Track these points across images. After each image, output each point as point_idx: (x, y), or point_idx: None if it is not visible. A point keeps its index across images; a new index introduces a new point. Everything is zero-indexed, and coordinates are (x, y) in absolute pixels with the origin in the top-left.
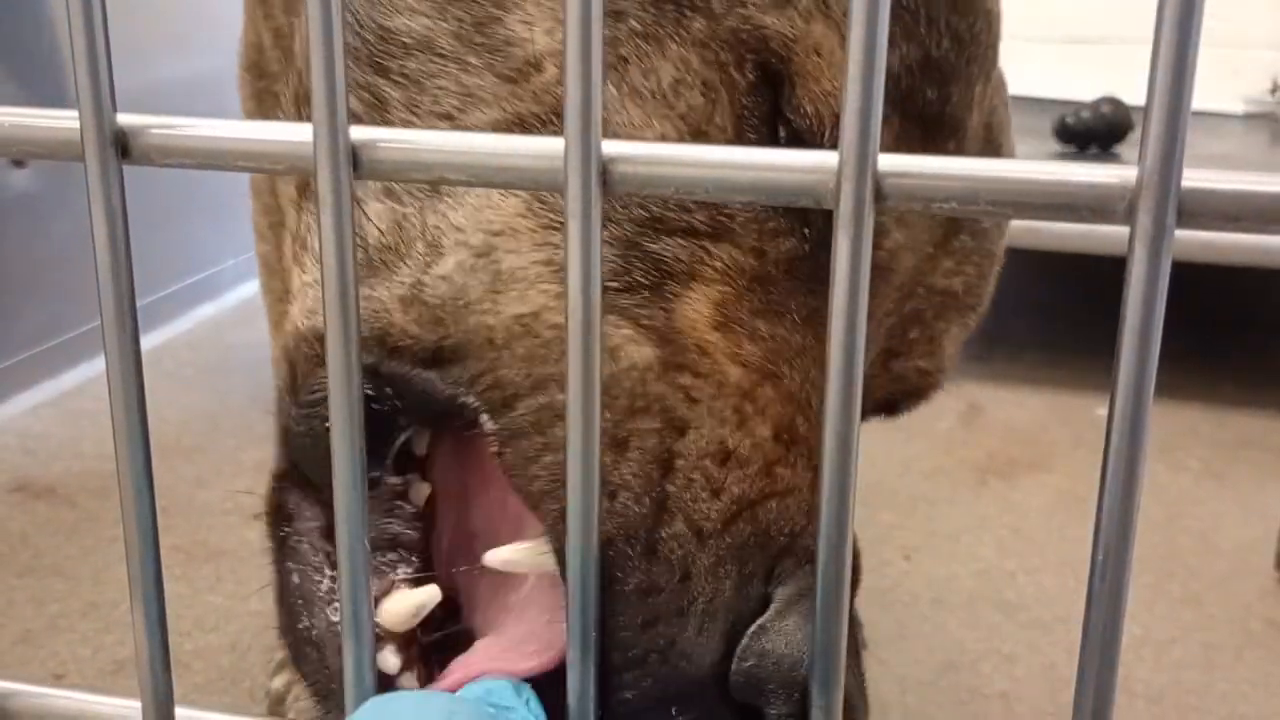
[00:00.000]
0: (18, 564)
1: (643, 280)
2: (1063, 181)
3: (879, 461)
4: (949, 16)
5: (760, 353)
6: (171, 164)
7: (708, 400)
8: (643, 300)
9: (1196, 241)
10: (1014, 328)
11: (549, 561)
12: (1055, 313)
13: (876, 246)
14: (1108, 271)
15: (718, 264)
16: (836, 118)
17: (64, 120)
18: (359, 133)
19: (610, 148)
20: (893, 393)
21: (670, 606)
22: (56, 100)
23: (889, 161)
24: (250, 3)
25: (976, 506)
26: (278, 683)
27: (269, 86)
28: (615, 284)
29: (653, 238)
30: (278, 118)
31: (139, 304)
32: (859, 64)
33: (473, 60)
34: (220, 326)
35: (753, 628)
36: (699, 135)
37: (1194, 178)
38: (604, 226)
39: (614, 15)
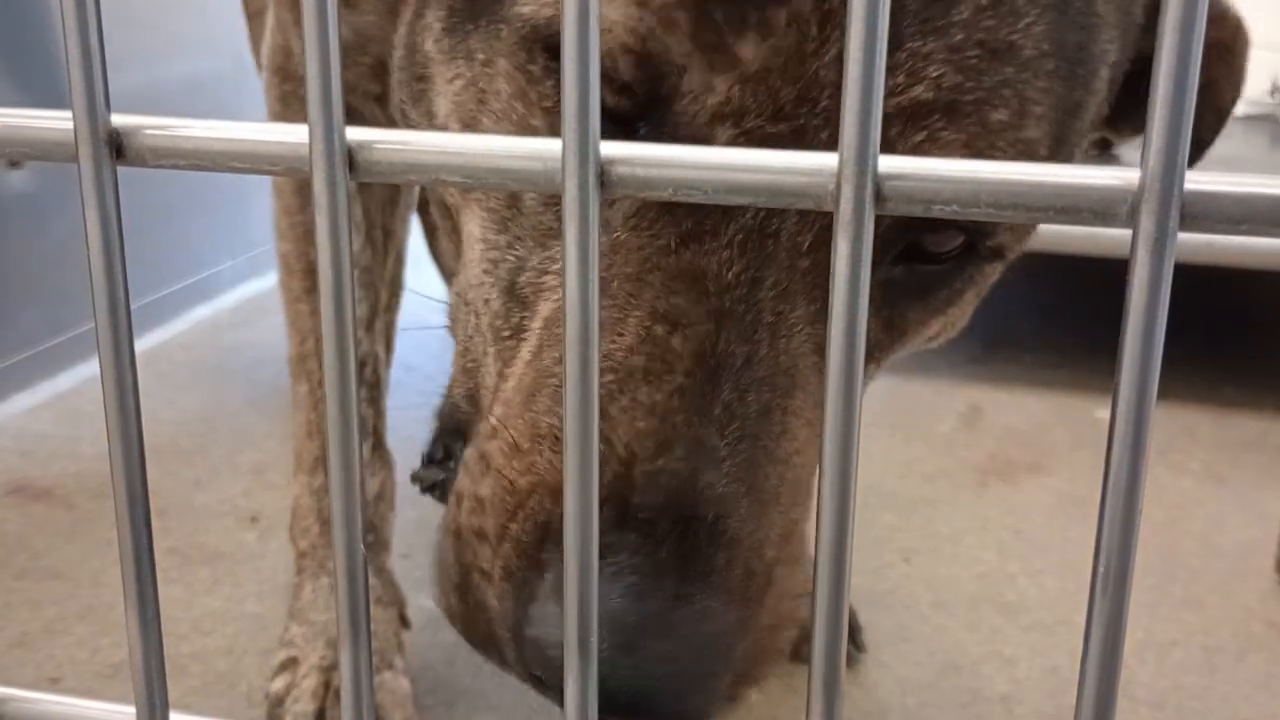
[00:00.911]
0: (15, 566)
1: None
2: (1065, 184)
3: (879, 463)
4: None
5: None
6: (166, 165)
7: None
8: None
9: (1197, 244)
10: (1015, 330)
11: None
12: (1055, 315)
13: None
14: (1108, 273)
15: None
16: (617, 48)
17: (58, 121)
18: (355, 134)
19: (608, 149)
20: None
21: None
22: (57, 102)
23: (889, 163)
24: (279, 6)
25: (977, 508)
26: (277, 684)
27: (296, 90)
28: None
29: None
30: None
31: (136, 305)
32: (859, 64)
33: None
34: (217, 328)
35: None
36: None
37: (1197, 180)
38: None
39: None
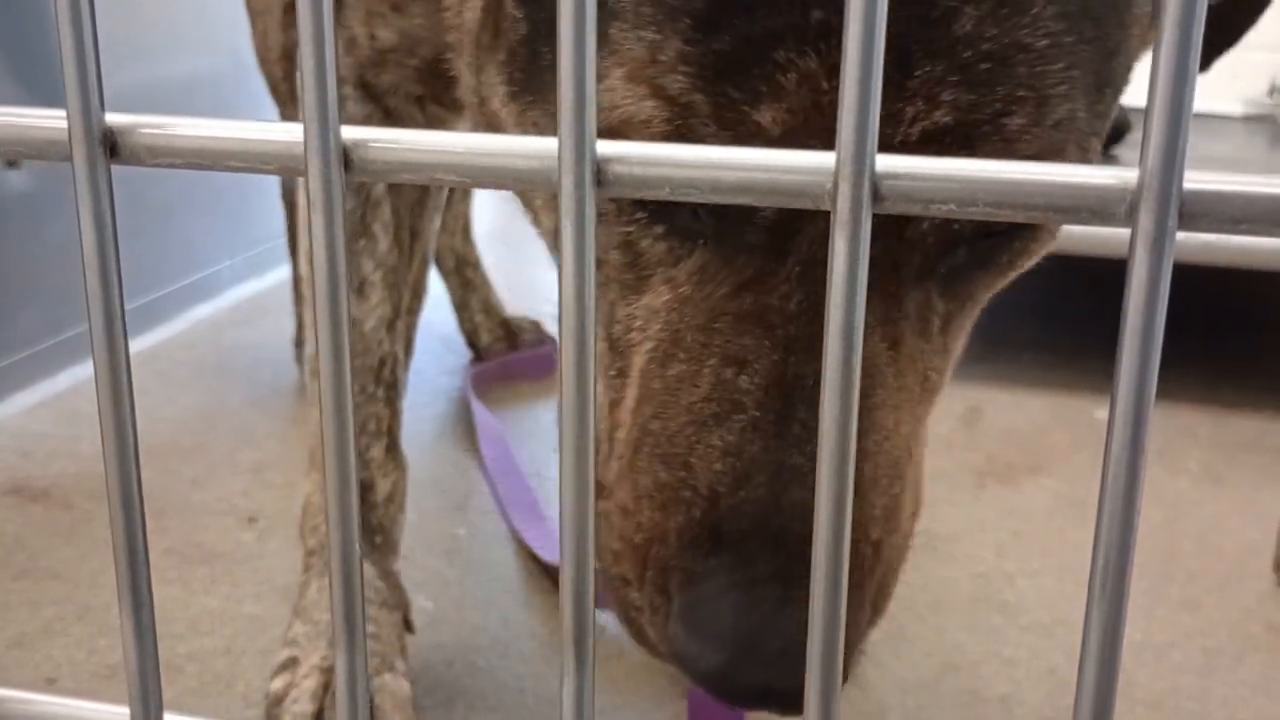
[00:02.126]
0: (13, 567)
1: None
2: (1063, 183)
3: None
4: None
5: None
6: (161, 164)
7: None
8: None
9: (1195, 244)
10: (1014, 331)
11: None
12: (1055, 315)
13: None
14: (1107, 274)
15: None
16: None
17: (52, 119)
18: (350, 132)
19: (605, 148)
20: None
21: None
22: (55, 100)
23: (886, 163)
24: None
25: (976, 509)
26: (277, 684)
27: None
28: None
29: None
30: None
31: (134, 305)
32: (855, 64)
33: None
34: (217, 327)
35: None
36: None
37: (1195, 180)
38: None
39: None
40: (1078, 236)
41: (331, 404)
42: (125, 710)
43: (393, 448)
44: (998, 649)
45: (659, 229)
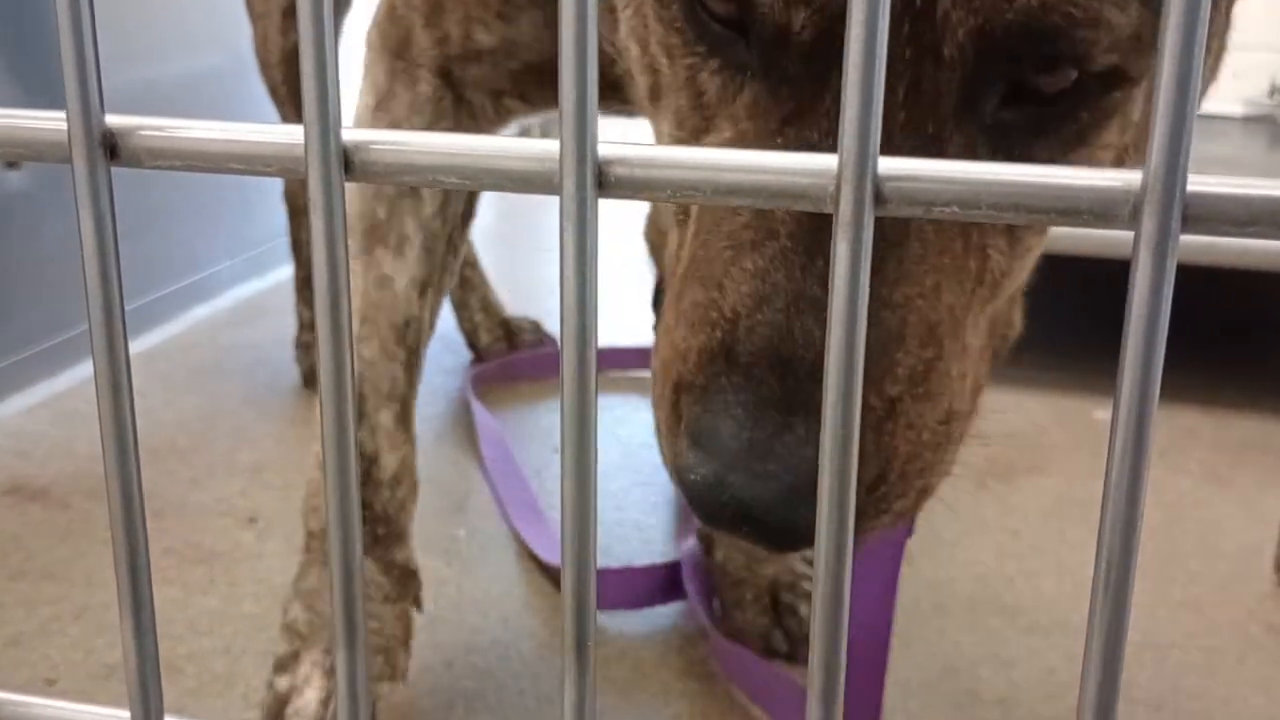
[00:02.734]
0: (10, 567)
1: None
2: (1066, 185)
3: None
4: None
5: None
6: (161, 166)
7: None
8: None
9: (1196, 245)
10: None
11: None
12: (1054, 315)
13: None
14: (1106, 274)
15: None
16: None
17: (52, 121)
18: (350, 134)
19: (606, 150)
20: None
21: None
22: (54, 102)
23: (889, 165)
24: (411, 14)
25: (976, 510)
26: (281, 684)
27: (409, 69)
28: None
29: None
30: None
31: (133, 306)
32: (858, 67)
33: None
34: (215, 328)
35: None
36: (669, 57)
37: (1199, 182)
38: None
39: None
40: (1079, 237)
41: (332, 404)
42: (125, 713)
43: (404, 418)
44: (997, 650)
45: (714, 63)
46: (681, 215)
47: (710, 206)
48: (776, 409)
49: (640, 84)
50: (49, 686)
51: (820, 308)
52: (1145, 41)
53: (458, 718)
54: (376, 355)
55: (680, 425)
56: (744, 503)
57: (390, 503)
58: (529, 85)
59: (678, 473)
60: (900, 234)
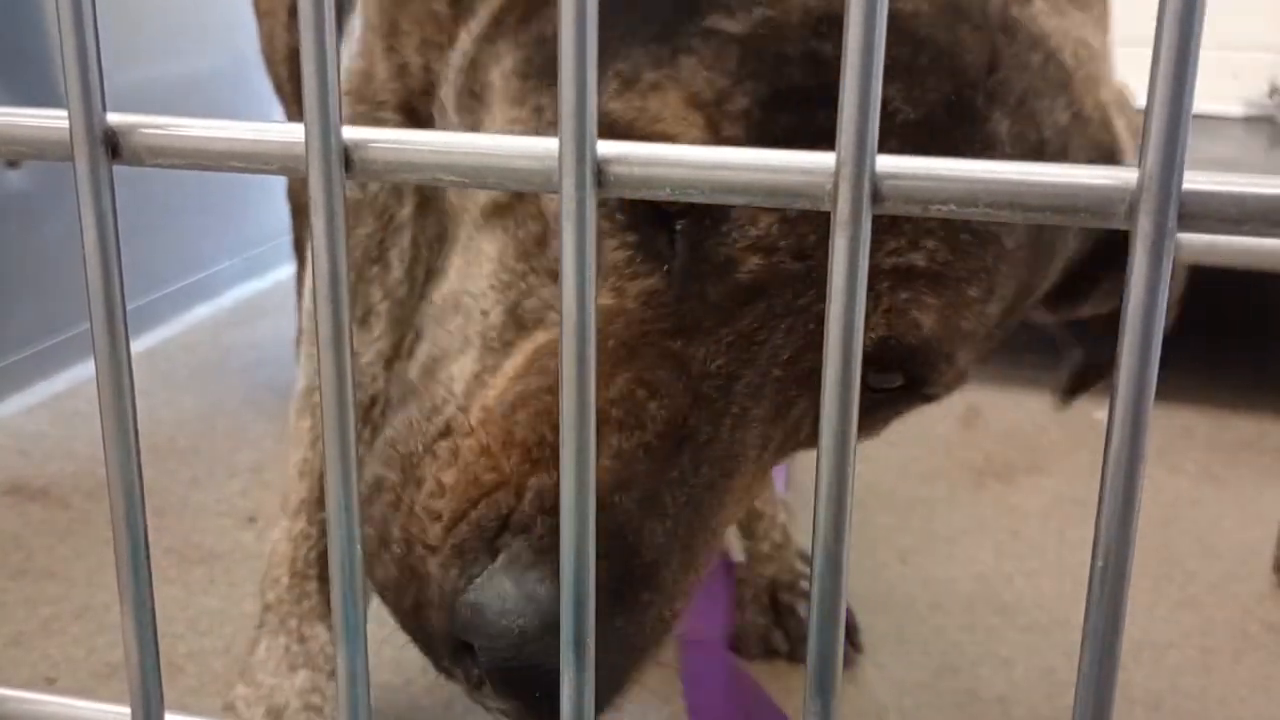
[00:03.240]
0: (10, 566)
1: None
2: (1063, 183)
3: (876, 463)
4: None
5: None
6: (162, 164)
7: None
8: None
9: (1194, 244)
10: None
11: None
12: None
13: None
14: None
15: None
16: None
17: (53, 120)
18: (351, 133)
19: (605, 148)
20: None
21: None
22: (51, 101)
23: (886, 163)
24: (371, 36)
25: (974, 509)
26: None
27: (371, 112)
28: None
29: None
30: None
31: (134, 305)
32: (856, 67)
33: None
34: (216, 327)
35: (467, 589)
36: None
37: (1195, 180)
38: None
39: None
40: None
41: (333, 405)
42: (126, 710)
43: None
44: (995, 649)
45: (630, 237)
46: (498, 345)
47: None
48: (604, 596)
49: (479, 196)
50: (49, 685)
51: (668, 515)
52: (965, 375)
53: (456, 716)
54: None
55: (486, 558)
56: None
57: None
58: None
59: (473, 608)
60: (734, 467)
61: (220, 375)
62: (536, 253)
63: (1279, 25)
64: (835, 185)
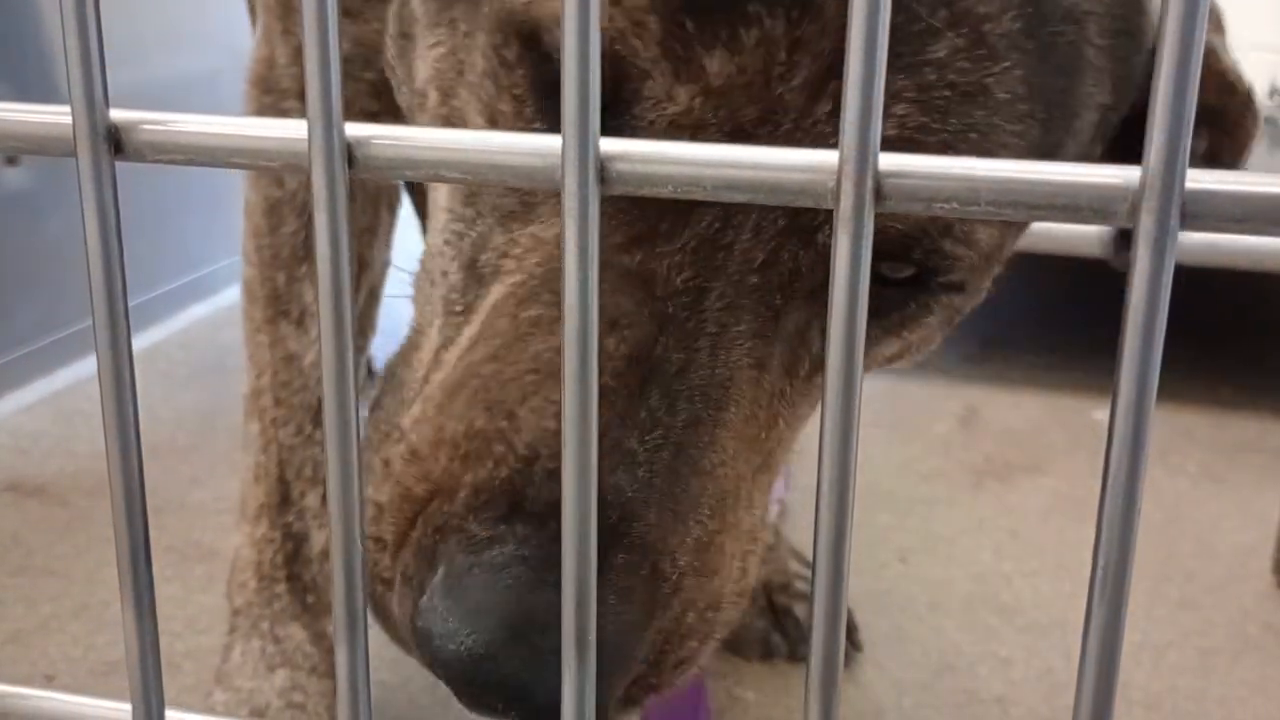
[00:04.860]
0: (10, 563)
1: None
2: (1065, 182)
3: (876, 463)
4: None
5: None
6: (164, 160)
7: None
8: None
9: (1195, 244)
10: (1012, 331)
11: None
12: (1053, 315)
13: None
14: (1104, 274)
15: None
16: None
17: (56, 115)
18: (354, 129)
19: (609, 145)
20: None
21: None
22: (51, 98)
23: (890, 161)
24: (268, 14)
25: (973, 509)
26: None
27: (276, 103)
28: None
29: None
30: None
31: (133, 303)
32: (859, 65)
33: None
34: (215, 326)
35: (415, 616)
36: (492, 123)
37: (1198, 179)
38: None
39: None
40: (1077, 236)
41: (334, 398)
42: (126, 706)
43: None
44: (995, 649)
45: None
46: (460, 309)
47: (509, 311)
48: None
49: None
50: (48, 682)
51: (636, 462)
52: (993, 261)
53: (454, 716)
54: (294, 439)
55: (429, 575)
56: (518, 687)
57: (320, 574)
58: (393, 102)
59: (422, 636)
60: (723, 396)
61: (219, 374)
62: (478, 193)
63: (1279, 25)
64: (838, 183)
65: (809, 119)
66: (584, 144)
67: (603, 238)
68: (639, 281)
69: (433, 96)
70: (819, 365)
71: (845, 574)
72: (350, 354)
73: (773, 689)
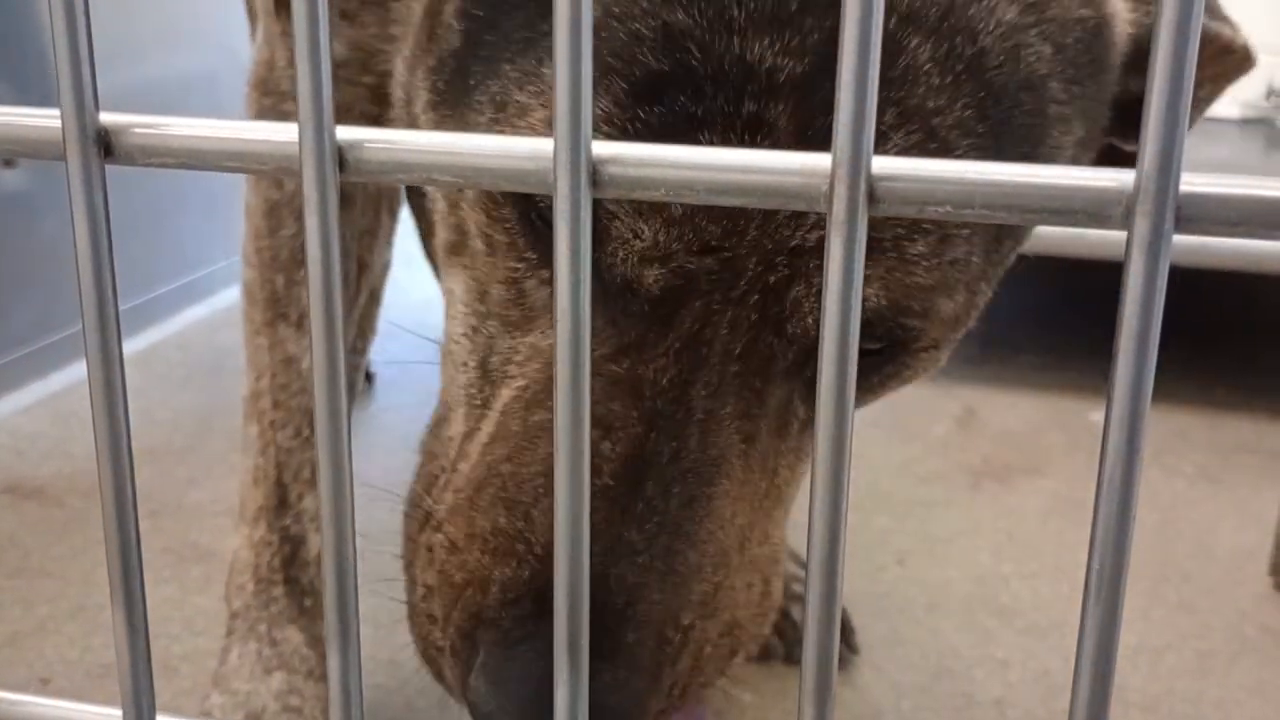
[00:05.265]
0: (6, 565)
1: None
2: (1059, 185)
3: (873, 465)
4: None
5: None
6: (155, 164)
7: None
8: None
9: (1190, 246)
10: (1009, 333)
11: None
12: (1050, 318)
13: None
14: (1102, 276)
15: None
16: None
17: (46, 119)
18: (345, 133)
19: (601, 148)
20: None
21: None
22: (48, 100)
23: (882, 165)
24: (267, 18)
25: (971, 511)
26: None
27: (276, 105)
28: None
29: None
30: None
31: (129, 305)
32: (852, 68)
33: None
34: (211, 327)
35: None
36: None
37: (1192, 182)
38: None
39: None
40: (1074, 239)
41: (325, 399)
42: (117, 712)
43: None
44: (992, 651)
45: (546, 274)
46: (479, 404)
47: (518, 414)
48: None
49: (439, 232)
50: (44, 685)
51: (636, 551)
52: (960, 320)
53: (453, 716)
54: (292, 442)
55: (472, 655)
56: None
57: (317, 578)
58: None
59: (472, 706)
60: (714, 473)
61: (216, 375)
62: (484, 300)
63: (1276, 26)
64: (831, 186)
65: (772, 223)
66: (576, 147)
67: (592, 348)
68: (628, 387)
69: (440, 203)
70: (806, 426)
71: (840, 575)
72: (341, 356)
73: (770, 691)
